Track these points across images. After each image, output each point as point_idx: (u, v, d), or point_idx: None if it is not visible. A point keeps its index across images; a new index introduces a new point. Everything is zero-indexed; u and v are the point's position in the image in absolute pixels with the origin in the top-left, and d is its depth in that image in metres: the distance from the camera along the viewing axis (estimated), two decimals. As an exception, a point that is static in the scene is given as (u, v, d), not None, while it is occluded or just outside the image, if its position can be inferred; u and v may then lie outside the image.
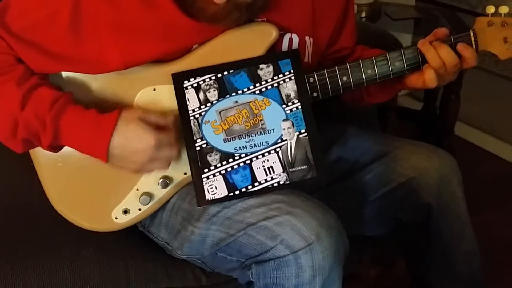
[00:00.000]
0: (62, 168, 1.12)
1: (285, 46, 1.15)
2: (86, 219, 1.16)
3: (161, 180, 1.12)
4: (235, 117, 1.07)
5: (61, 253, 1.20)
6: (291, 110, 1.08)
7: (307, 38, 1.18)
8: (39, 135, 1.02)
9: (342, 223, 1.05)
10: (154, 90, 1.11)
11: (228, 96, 1.08)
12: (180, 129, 1.08)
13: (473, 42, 1.12)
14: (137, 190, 1.13)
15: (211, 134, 1.07)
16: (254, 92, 1.08)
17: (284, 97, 1.08)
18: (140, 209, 1.14)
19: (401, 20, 2.17)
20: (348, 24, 1.27)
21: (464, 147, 2.45)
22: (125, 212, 1.14)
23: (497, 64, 2.37)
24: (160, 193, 1.14)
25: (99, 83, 1.10)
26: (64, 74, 1.09)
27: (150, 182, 1.13)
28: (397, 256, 1.49)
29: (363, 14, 2.19)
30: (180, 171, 1.12)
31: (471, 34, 1.12)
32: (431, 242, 1.26)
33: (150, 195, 1.13)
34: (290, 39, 1.16)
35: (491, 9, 1.11)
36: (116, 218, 1.14)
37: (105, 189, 1.13)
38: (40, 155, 1.13)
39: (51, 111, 1.01)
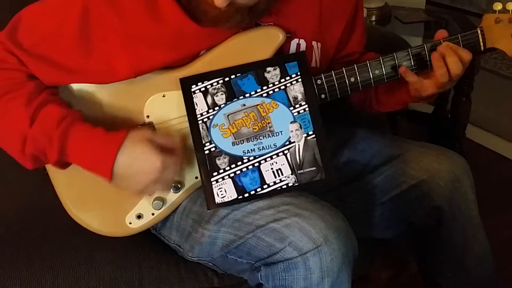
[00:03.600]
0: (76, 175, 1.12)
1: (292, 51, 1.16)
2: (101, 225, 1.17)
3: (173, 184, 1.12)
4: (243, 120, 1.08)
5: (75, 255, 1.21)
6: (298, 112, 1.08)
7: (314, 43, 1.18)
8: (46, 152, 1.03)
9: (353, 225, 1.05)
10: (164, 96, 1.12)
11: (236, 99, 1.08)
12: (186, 154, 1.10)
13: (481, 40, 1.11)
14: (150, 195, 1.13)
15: (220, 138, 1.07)
16: (261, 95, 1.08)
17: (291, 100, 1.08)
18: (153, 214, 1.15)
19: (411, 23, 2.17)
20: (357, 29, 1.27)
21: (475, 150, 2.43)
22: (139, 217, 1.15)
23: (509, 67, 2.36)
24: (172, 197, 1.14)
25: (108, 92, 1.11)
26: (74, 85, 1.11)
27: None
28: (409, 259, 1.48)
29: (373, 18, 2.19)
30: (191, 175, 1.13)
31: (478, 31, 1.11)
32: (442, 245, 1.25)
33: (162, 200, 1.14)
34: (298, 45, 1.16)
35: (498, 6, 1.10)
36: (130, 223, 1.15)
37: (118, 195, 1.13)
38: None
39: (58, 128, 1.02)
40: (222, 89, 1.09)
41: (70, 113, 1.05)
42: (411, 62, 1.13)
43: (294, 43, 1.16)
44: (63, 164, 1.08)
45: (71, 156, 1.04)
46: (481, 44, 1.12)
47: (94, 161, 1.04)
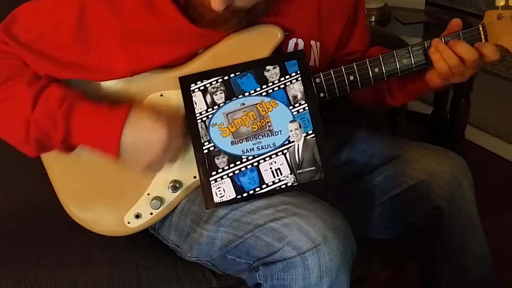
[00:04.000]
0: (74, 175, 1.13)
1: (290, 50, 1.15)
2: (99, 224, 1.17)
3: (171, 184, 1.12)
4: (242, 119, 1.07)
5: (73, 254, 1.21)
6: (298, 111, 1.08)
7: (312, 42, 1.18)
8: (50, 134, 1.03)
9: (352, 225, 1.04)
10: (161, 95, 1.11)
11: (235, 98, 1.08)
12: (187, 131, 1.08)
13: (483, 37, 1.10)
14: (148, 194, 1.14)
15: (219, 137, 1.07)
16: (260, 94, 1.08)
17: (291, 98, 1.08)
18: (151, 213, 1.15)
19: (411, 24, 2.17)
20: (357, 28, 1.27)
21: (474, 151, 2.44)
22: (137, 216, 1.15)
23: (508, 68, 2.36)
24: (171, 197, 1.14)
25: (106, 90, 1.11)
26: (72, 82, 1.10)
27: (160, 186, 1.13)
28: (408, 259, 1.48)
29: (373, 18, 2.20)
30: (190, 175, 1.13)
31: (480, 28, 1.10)
32: (442, 245, 1.25)
33: (160, 199, 1.13)
34: (296, 44, 1.16)
35: (500, 2, 1.09)
36: (129, 223, 1.15)
37: (117, 194, 1.14)
38: (52, 162, 1.14)
39: (61, 108, 1.02)
40: (221, 88, 1.08)
41: (72, 92, 1.05)
42: (411, 60, 1.13)
43: (292, 42, 1.15)
44: (68, 147, 1.07)
45: (76, 134, 1.04)
46: (483, 40, 1.10)
47: (100, 137, 1.03)
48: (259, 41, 1.11)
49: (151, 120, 1.03)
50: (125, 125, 1.02)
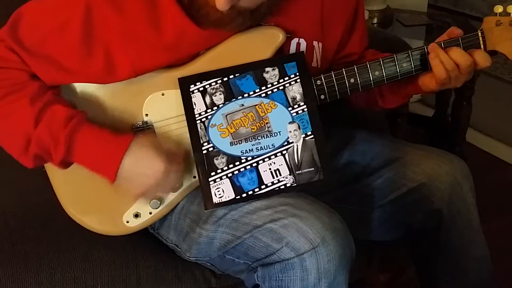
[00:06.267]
0: (74, 173, 1.12)
1: (292, 50, 1.16)
2: (98, 223, 1.17)
3: (170, 185, 1.12)
4: (241, 120, 1.08)
5: (73, 253, 1.21)
6: (297, 112, 1.08)
7: (315, 43, 1.18)
8: (51, 152, 1.03)
9: (351, 227, 1.04)
10: (163, 94, 1.12)
11: (234, 99, 1.08)
12: (188, 158, 1.10)
13: (481, 42, 1.11)
14: (149, 199, 1.13)
15: (218, 138, 1.07)
16: (260, 95, 1.08)
17: (290, 100, 1.08)
18: (150, 213, 1.15)
19: (413, 26, 2.17)
20: (357, 29, 1.27)
21: (475, 154, 2.43)
22: (136, 216, 1.15)
23: (510, 72, 2.35)
24: (170, 197, 1.14)
25: (108, 89, 1.11)
26: (75, 85, 1.11)
27: None
28: (407, 262, 1.48)
29: (375, 20, 2.20)
30: (189, 175, 1.13)
31: (479, 34, 1.11)
32: (441, 248, 1.25)
33: (160, 199, 1.14)
34: (298, 44, 1.16)
35: (499, 9, 1.10)
36: (128, 222, 1.15)
37: (116, 194, 1.13)
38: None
39: (65, 128, 1.01)
40: (221, 89, 1.08)
41: (77, 113, 1.05)
42: (411, 64, 1.13)
43: (294, 42, 1.15)
44: (65, 164, 1.07)
45: (77, 156, 1.04)
46: (482, 46, 1.11)
47: (100, 162, 1.04)
48: (261, 43, 1.11)
49: (151, 153, 1.04)
50: (126, 153, 1.02)
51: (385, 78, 1.13)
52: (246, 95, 1.08)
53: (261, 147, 1.07)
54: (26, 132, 1.02)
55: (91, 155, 1.04)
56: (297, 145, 1.07)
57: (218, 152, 1.07)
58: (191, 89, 1.09)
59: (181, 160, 1.08)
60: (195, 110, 1.08)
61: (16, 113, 1.03)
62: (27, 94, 1.03)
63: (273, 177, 1.06)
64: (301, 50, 1.16)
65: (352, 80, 1.13)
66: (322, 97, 1.13)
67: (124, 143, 1.03)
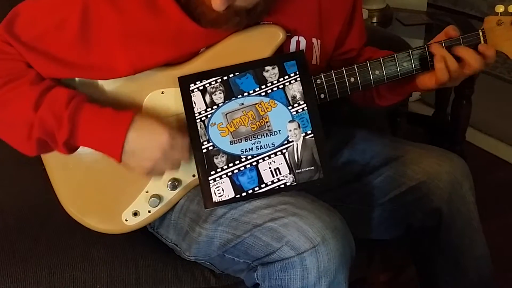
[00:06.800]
0: (73, 171, 1.12)
1: (292, 48, 1.16)
2: (97, 221, 1.17)
3: (170, 182, 1.12)
4: (241, 119, 1.07)
5: (72, 253, 1.21)
6: (297, 111, 1.08)
7: (314, 40, 1.18)
8: (55, 133, 1.03)
9: (351, 226, 1.04)
10: (162, 93, 1.11)
11: (234, 98, 1.08)
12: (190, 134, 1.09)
13: (482, 42, 1.11)
14: (147, 192, 1.13)
15: (218, 137, 1.07)
16: (260, 94, 1.08)
17: (290, 99, 1.08)
18: (149, 211, 1.15)
19: (413, 25, 2.17)
20: (355, 26, 1.27)
21: (475, 153, 2.43)
22: (135, 214, 1.14)
23: (510, 71, 2.36)
24: (169, 195, 1.14)
25: (108, 87, 1.11)
26: (74, 80, 1.11)
27: (159, 184, 1.13)
28: (407, 261, 1.48)
29: (375, 20, 2.20)
30: (189, 173, 1.13)
31: (480, 33, 1.11)
32: (441, 247, 1.25)
33: (159, 197, 1.13)
34: (297, 42, 1.16)
35: (500, 8, 1.10)
36: (126, 220, 1.15)
37: (115, 192, 1.14)
38: (51, 159, 1.14)
39: (67, 108, 1.01)
40: (221, 88, 1.08)
41: (77, 94, 1.05)
42: (411, 63, 1.13)
43: (294, 40, 1.15)
44: (69, 149, 1.06)
45: (80, 135, 1.03)
46: None
47: (105, 140, 1.03)
48: (261, 41, 1.11)
49: (154, 125, 1.04)
50: (129, 129, 1.02)
51: (385, 77, 1.13)
52: (246, 94, 1.08)
53: (261, 146, 1.07)
54: (28, 116, 1.02)
55: (95, 133, 1.04)
56: (297, 144, 1.07)
57: (218, 151, 1.07)
58: (191, 88, 1.08)
59: (184, 133, 1.08)
60: (195, 109, 1.08)
61: (17, 98, 1.03)
62: (27, 80, 1.03)
63: (273, 176, 1.06)
64: (301, 48, 1.16)
65: (352, 79, 1.13)
66: (322, 96, 1.13)
67: (127, 118, 1.03)
